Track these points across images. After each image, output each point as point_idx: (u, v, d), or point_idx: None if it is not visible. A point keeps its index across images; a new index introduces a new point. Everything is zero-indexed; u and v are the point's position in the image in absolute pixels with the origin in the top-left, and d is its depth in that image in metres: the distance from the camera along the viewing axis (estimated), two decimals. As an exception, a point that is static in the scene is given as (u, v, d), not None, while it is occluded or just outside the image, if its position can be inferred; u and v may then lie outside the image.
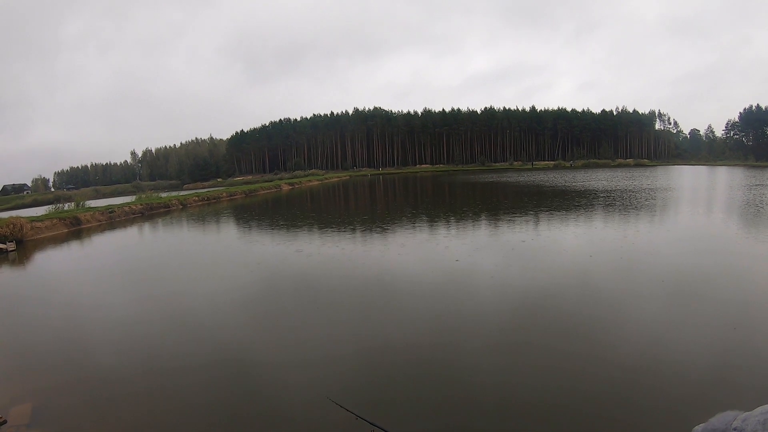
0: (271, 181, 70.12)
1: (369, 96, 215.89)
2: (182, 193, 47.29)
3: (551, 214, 19.17)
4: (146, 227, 23.34)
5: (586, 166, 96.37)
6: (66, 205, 28.72)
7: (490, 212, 21.19)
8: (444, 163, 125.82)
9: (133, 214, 28.49)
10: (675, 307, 7.35)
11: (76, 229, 23.07)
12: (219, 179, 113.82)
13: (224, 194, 41.89)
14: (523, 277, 9.55)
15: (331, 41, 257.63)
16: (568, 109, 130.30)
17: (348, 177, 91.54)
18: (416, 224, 18.04)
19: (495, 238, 14.47)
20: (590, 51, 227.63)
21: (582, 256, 11.29)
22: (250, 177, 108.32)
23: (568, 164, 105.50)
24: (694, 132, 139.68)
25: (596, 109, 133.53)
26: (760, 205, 19.46)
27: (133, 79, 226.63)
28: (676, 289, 8.19)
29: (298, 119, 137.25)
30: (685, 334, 6.23)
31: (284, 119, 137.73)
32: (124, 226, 23.67)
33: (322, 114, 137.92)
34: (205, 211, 29.72)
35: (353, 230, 17.64)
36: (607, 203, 22.56)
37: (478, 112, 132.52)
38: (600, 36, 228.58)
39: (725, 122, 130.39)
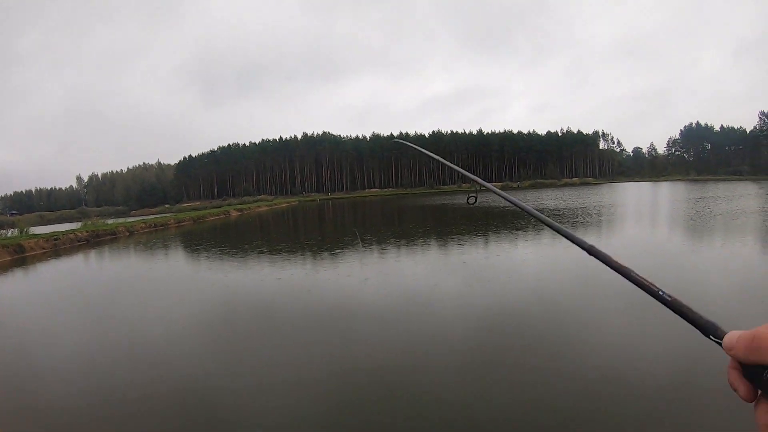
0: (219, 207, 69.48)
1: (326, 119, 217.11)
2: (129, 219, 46.30)
3: (503, 233, 19.81)
4: (93, 255, 22.86)
5: (533, 187, 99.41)
6: (9, 231, 28.04)
7: (443, 234, 21.63)
8: (393, 187, 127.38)
9: (79, 241, 27.87)
10: (635, 317, 7.67)
11: (19, 257, 22.37)
12: (167, 205, 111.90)
13: (172, 221, 41.36)
14: (484, 295, 9.71)
15: (292, 63, 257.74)
16: (515, 131, 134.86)
17: (297, 202, 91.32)
18: (369, 248, 18.28)
19: (451, 258, 14.78)
20: (545, 74, 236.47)
21: (540, 273, 11.68)
22: (198, 203, 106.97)
23: (515, 185, 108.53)
24: (637, 150, 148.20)
25: (546, 131, 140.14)
26: (695, 218, 20.82)
27: (87, 98, 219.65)
28: (634, 300, 8.46)
29: (247, 144, 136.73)
30: (648, 343, 6.53)
31: (233, 144, 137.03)
32: (70, 254, 23.15)
33: (271, 139, 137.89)
34: (153, 238, 29.12)
35: (305, 255, 17.69)
36: (557, 220, 23.25)
37: (426, 135, 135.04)
38: (555, 59, 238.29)
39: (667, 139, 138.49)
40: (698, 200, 33.41)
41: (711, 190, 48.67)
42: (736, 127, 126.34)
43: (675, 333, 6.52)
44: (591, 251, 1.21)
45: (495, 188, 1.82)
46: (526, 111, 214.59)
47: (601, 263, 1.11)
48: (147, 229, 35.78)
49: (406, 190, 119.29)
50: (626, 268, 1.09)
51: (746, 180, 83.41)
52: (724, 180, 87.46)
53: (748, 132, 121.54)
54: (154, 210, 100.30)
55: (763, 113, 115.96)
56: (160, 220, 40.41)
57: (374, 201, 79.09)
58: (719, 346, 0.65)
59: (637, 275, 1.04)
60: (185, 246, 24.88)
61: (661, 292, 0.95)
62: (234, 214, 54.57)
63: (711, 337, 0.71)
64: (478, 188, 1.92)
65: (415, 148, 2.80)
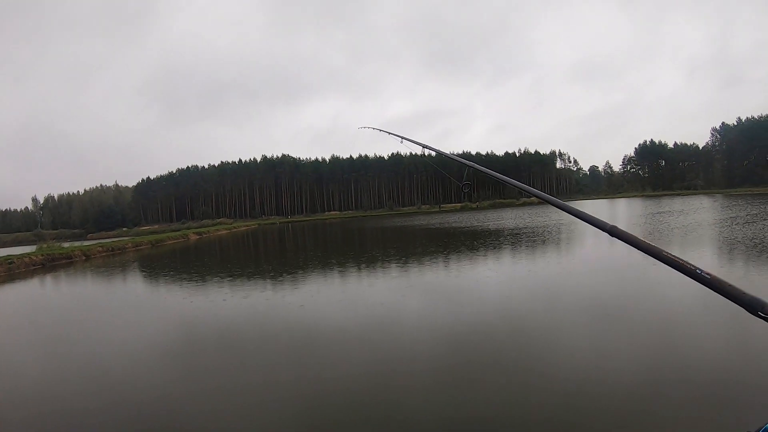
0: (178, 230, 68.65)
1: (287, 141, 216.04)
2: (86, 243, 45.67)
3: (464, 253, 20.33)
4: (48, 280, 22.79)
5: (492, 206, 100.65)
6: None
7: (404, 255, 22.02)
8: (352, 209, 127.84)
9: (34, 265, 27.59)
10: (600, 330, 7.91)
11: (-29, 282, 22.25)
12: (125, 228, 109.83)
13: (130, 244, 40.99)
14: (449, 315, 9.77)
15: (254, 83, 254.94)
16: (474, 152, 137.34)
17: (257, 225, 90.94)
18: (331, 270, 18.57)
19: (413, 279, 14.91)
20: (506, 95, 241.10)
21: (504, 291, 11.96)
22: (156, 226, 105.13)
23: (474, 205, 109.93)
24: (594, 168, 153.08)
25: (505, 151, 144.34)
26: (654, 233, 21.80)
27: (44, 115, 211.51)
28: (598, 313, 8.88)
29: (206, 166, 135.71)
30: (615, 354, 6.75)
31: (192, 166, 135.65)
32: (25, 279, 23.02)
33: (230, 161, 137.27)
34: (110, 263, 28.96)
35: (266, 279, 17.73)
36: (517, 240, 23.94)
37: (386, 157, 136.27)
38: (516, 80, 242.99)
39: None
40: (654, 215, 35.00)
41: (667, 204, 50.79)
42: (689, 143, 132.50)
43: (639, 344, 6.96)
44: (613, 232, 1.28)
45: (555, 199, 2.00)
46: (486, 131, 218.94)
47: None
48: (104, 253, 35.45)
49: (366, 212, 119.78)
50: (655, 247, 1.07)
51: (700, 194, 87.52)
52: (679, 195, 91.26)
53: (701, 147, 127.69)
54: (111, 233, 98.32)
55: (714, 129, 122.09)
56: (117, 244, 40.01)
57: (335, 223, 79.41)
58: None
59: (670, 254, 1.00)
60: (143, 270, 24.80)
61: (698, 271, 0.91)
62: (193, 237, 54.22)
63: (759, 313, 0.78)
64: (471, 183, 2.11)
65: (486, 172, 2.78)
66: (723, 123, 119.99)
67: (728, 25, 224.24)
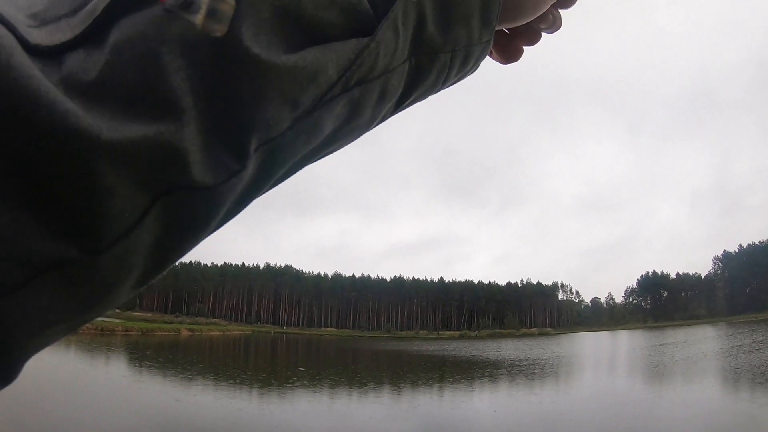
0: (171, 323, 67.21)
1: (292, 251, 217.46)
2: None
3: (461, 385, 19.73)
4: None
5: (491, 336, 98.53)
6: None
7: (408, 386, 21.19)
8: (350, 328, 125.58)
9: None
10: None
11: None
12: (117, 309, 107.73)
13: (120, 327, 39.71)
14: None
15: (265, 196, 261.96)
16: (476, 281, 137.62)
17: (251, 331, 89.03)
18: (333, 399, 17.50)
19: (413, 411, 14.17)
20: (511, 225, 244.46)
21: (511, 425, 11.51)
22: (150, 314, 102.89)
23: (473, 334, 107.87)
24: (596, 300, 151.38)
25: (506, 280, 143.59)
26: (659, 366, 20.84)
27: None
28: None
29: (209, 264, 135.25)
30: None
31: (195, 262, 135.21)
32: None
33: (233, 264, 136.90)
34: (97, 343, 27.67)
35: (254, 397, 16.32)
36: (517, 373, 22.72)
37: (388, 280, 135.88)
38: (522, 212, 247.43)
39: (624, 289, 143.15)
40: (657, 347, 33.85)
41: (670, 336, 49.43)
42: (691, 273, 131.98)
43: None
44: None
45: None
46: (490, 260, 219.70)
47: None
48: (92, 331, 34.02)
49: (362, 332, 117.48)
50: None
51: (704, 323, 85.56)
52: (682, 325, 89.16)
53: (703, 276, 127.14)
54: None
55: (716, 257, 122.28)
56: (107, 324, 38.74)
57: (330, 341, 77.34)
58: None
59: None
60: (131, 359, 23.76)
61: None
62: (185, 333, 52.65)
63: None
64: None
65: None
66: (725, 251, 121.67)
67: (727, 152, 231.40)
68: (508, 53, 0.47)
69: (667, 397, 13.43)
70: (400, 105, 0.36)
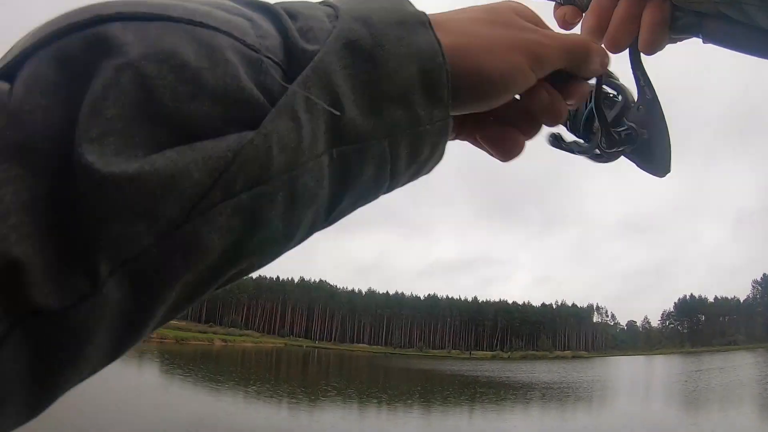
0: (204, 332, 67.86)
1: (328, 266, 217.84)
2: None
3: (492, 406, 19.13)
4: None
5: (523, 358, 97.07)
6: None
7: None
8: (382, 345, 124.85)
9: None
10: None
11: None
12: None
13: (155, 334, 39.91)
14: None
15: None
16: (511, 301, 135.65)
17: (284, 345, 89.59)
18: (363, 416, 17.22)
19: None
20: (551, 246, 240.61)
21: None
22: (183, 323, 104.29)
23: (506, 355, 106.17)
24: (631, 323, 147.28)
25: (542, 302, 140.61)
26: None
27: None
28: None
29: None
30: None
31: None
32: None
33: (268, 277, 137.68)
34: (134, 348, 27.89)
35: (285, 410, 16.59)
36: (551, 396, 21.90)
37: (422, 297, 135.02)
38: (563, 233, 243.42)
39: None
40: (694, 373, 33.14)
41: (707, 362, 47.81)
42: (729, 297, 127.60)
43: None
44: None
45: None
46: (528, 281, 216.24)
47: None
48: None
49: (395, 349, 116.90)
50: None
51: (741, 350, 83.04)
52: (719, 351, 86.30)
53: (741, 301, 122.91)
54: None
55: (756, 281, 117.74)
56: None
57: (362, 357, 76.93)
58: None
59: None
60: (163, 368, 23.82)
61: None
62: (218, 343, 53.18)
63: None
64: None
65: None
66: (764, 274, 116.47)
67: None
68: (504, 146, 0.39)
69: (703, 425, 13.09)
70: (333, 209, 0.31)
